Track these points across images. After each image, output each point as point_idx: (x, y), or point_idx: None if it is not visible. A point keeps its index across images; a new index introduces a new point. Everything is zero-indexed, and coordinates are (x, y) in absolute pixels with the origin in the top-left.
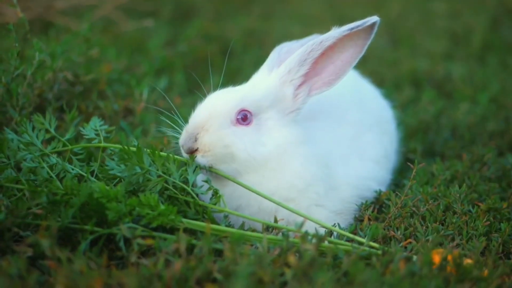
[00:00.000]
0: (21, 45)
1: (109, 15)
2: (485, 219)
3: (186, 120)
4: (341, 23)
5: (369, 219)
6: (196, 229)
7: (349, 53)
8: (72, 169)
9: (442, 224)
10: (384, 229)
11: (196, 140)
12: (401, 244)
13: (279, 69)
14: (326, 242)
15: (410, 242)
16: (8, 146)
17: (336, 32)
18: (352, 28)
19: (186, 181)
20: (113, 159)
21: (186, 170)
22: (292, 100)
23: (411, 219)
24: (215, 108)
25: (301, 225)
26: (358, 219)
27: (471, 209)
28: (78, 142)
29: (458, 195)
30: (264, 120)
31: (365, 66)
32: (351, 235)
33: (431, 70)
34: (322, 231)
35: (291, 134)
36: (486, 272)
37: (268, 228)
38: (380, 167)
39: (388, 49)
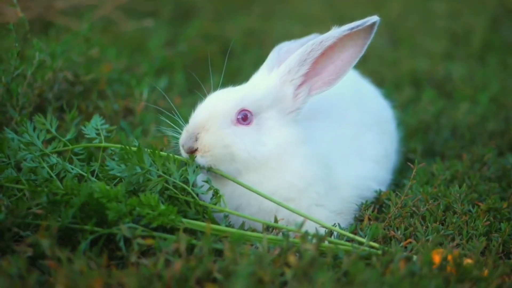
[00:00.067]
0: (21, 45)
1: (109, 15)
2: (485, 219)
3: (186, 120)
4: (341, 23)
5: (369, 219)
6: (196, 229)
7: (349, 52)
8: (72, 169)
9: (442, 224)
10: (384, 229)
11: (196, 139)
12: (401, 244)
13: (279, 69)
14: (326, 242)
15: (410, 242)
16: (9, 145)
17: (336, 32)
18: (352, 28)
19: (186, 181)
20: (113, 159)
21: (186, 170)
22: (292, 100)
23: (411, 219)
24: (216, 108)
25: (301, 225)
26: (358, 219)
27: (471, 209)
28: (79, 142)
29: (458, 195)
30: (264, 120)
31: (365, 66)
32: (351, 235)
33: (431, 70)
34: (322, 231)
35: (291, 133)
36: (486, 272)
37: (268, 228)
38: (380, 167)
39: (388, 49)
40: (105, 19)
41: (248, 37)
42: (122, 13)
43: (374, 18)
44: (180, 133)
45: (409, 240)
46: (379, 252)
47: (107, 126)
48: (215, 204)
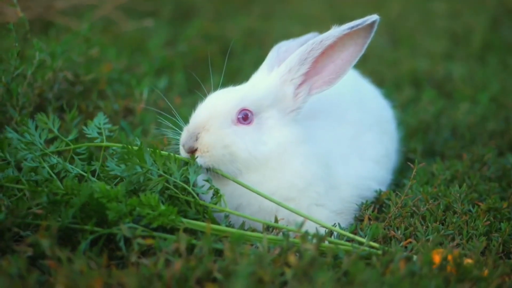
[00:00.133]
0: (21, 45)
1: (109, 15)
2: (485, 219)
3: (186, 120)
4: (341, 23)
5: (369, 219)
6: (196, 229)
7: (349, 52)
8: (73, 169)
9: (442, 224)
10: (384, 229)
11: (196, 139)
12: (401, 244)
13: (280, 68)
14: (326, 242)
15: (410, 242)
16: (9, 144)
17: (336, 31)
18: (352, 27)
19: (187, 181)
20: (114, 159)
21: (187, 169)
22: (293, 99)
23: (411, 219)
24: (216, 107)
25: (301, 225)
26: (358, 219)
27: (471, 209)
28: (79, 142)
29: (458, 194)
30: (264, 119)
31: (365, 66)
32: (351, 235)
33: (431, 70)
34: (322, 231)
35: (292, 133)
36: (486, 272)
37: (268, 228)
38: (380, 167)
39: (388, 49)
40: (105, 19)
41: (248, 37)
42: (122, 13)
43: (374, 17)
44: (179, 134)
45: (409, 240)
46: (379, 252)
47: (110, 125)
48: (216, 203)
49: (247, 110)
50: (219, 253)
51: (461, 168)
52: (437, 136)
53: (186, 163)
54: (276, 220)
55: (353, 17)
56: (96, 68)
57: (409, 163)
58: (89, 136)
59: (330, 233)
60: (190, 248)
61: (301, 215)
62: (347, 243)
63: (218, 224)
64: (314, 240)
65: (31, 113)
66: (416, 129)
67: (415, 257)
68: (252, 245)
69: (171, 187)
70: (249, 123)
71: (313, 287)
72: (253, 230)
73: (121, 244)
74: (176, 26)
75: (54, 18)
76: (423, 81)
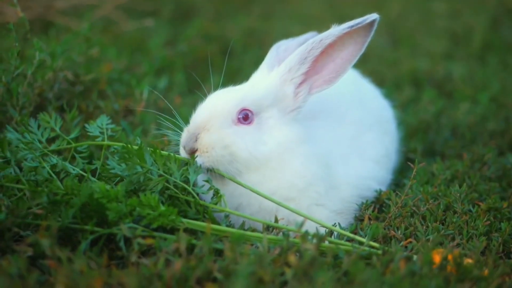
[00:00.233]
0: (22, 45)
1: (109, 15)
2: (485, 219)
3: (186, 121)
4: (341, 22)
5: (370, 219)
6: (197, 228)
7: (349, 51)
8: (73, 169)
9: (443, 224)
10: (385, 229)
11: (196, 140)
12: (401, 243)
13: (279, 68)
14: (326, 242)
15: (411, 242)
16: (9, 143)
17: (336, 30)
18: (352, 26)
19: (187, 181)
20: (115, 157)
21: (187, 169)
22: (293, 99)
23: (411, 219)
24: (216, 108)
25: (302, 224)
26: (359, 219)
27: (472, 209)
28: (80, 141)
29: (458, 194)
30: (265, 119)
31: (365, 66)
32: (351, 235)
33: (431, 69)
34: (322, 230)
35: (292, 132)
36: (486, 271)
37: (268, 228)
38: (381, 167)
39: (388, 49)
40: (105, 19)
41: (248, 37)
42: (122, 13)
43: (374, 16)
44: (180, 134)
45: (409, 239)
46: (379, 251)
47: (113, 126)
48: (216, 204)
49: (248, 110)
50: (219, 253)
51: (461, 168)
52: (437, 136)
53: (186, 163)
54: (276, 220)
55: (353, 16)
56: (96, 68)
57: (409, 163)
58: (90, 134)
59: (330, 233)
60: (190, 248)
61: (301, 215)
62: (347, 243)
63: (218, 224)
64: (314, 240)
65: (31, 113)
66: (416, 129)
67: (415, 257)
68: (252, 245)
69: (171, 187)
70: (249, 123)
71: (313, 287)
72: (253, 230)
73: (121, 244)
74: (176, 26)
75: (54, 18)
76: (423, 81)
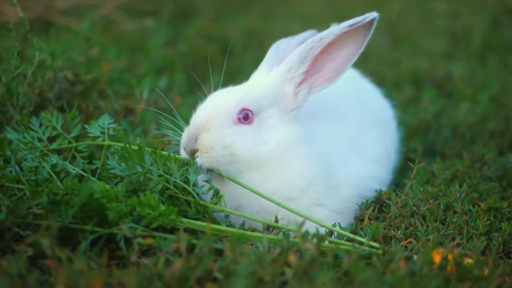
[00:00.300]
0: (22, 45)
1: (109, 15)
2: (485, 219)
3: (186, 120)
4: (340, 22)
5: (370, 219)
6: (197, 228)
7: (349, 49)
8: (73, 169)
9: (443, 224)
10: (385, 229)
11: (196, 140)
12: (401, 243)
13: (279, 67)
14: (326, 242)
15: (411, 242)
16: (9, 143)
17: (335, 29)
18: (352, 25)
19: (187, 181)
20: (115, 157)
21: (187, 170)
22: (293, 98)
23: (411, 219)
24: (216, 108)
25: (302, 224)
26: (359, 219)
27: (472, 209)
28: (80, 141)
29: (458, 194)
30: (265, 119)
31: (365, 66)
32: (351, 235)
33: (432, 69)
34: (322, 230)
35: (292, 132)
36: (486, 271)
37: (268, 228)
38: (381, 167)
39: (389, 49)
40: (106, 19)
41: (248, 37)
42: (122, 13)
43: (373, 15)
44: (180, 134)
45: (410, 239)
46: (380, 251)
47: (115, 125)
48: (216, 204)
49: (248, 110)
50: (219, 253)
51: (461, 168)
52: (438, 135)
53: (186, 164)
54: (276, 220)
55: (353, 16)
56: (96, 67)
57: (409, 163)
58: (91, 135)
59: (330, 232)
60: (190, 248)
61: (301, 215)
62: (347, 242)
63: (219, 224)
64: (314, 240)
65: (32, 113)
66: (416, 129)
67: (415, 256)
68: (252, 245)
69: (171, 187)
70: (249, 123)
71: (313, 287)
72: (253, 230)
73: (121, 244)
74: (176, 26)
75: (54, 18)
76: (423, 81)
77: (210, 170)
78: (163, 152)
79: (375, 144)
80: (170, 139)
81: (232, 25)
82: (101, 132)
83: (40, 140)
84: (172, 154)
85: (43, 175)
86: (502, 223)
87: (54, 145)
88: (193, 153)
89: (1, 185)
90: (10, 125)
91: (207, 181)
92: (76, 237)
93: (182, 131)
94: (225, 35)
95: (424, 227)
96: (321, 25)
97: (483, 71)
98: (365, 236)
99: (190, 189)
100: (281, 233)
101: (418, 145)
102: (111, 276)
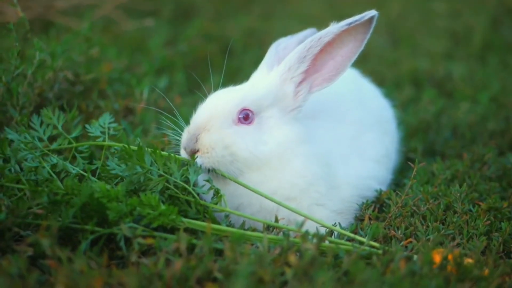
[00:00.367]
0: (22, 45)
1: (109, 15)
2: (485, 219)
3: (186, 120)
4: (340, 21)
5: (370, 219)
6: (197, 228)
7: (349, 48)
8: (73, 169)
9: (443, 224)
10: (385, 229)
11: (197, 140)
12: (401, 243)
13: (279, 67)
14: (326, 242)
15: (411, 242)
16: (9, 143)
17: (334, 28)
18: (351, 23)
19: (187, 181)
20: (115, 158)
21: (187, 169)
22: (293, 98)
23: (411, 219)
24: (217, 108)
25: (302, 224)
26: (359, 219)
27: (472, 209)
28: (81, 141)
29: (458, 194)
30: (265, 119)
31: (365, 66)
32: (351, 235)
33: (432, 69)
34: (322, 230)
35: (293, 132)
36: (486, 271)
37: (268, 228)
38: (381, 167)
39: (389, 49)
40: (106, 19)
41: (248, 37)
42: (123, 13)
43: (372, 13)
44: (180, 134)
45: (410, 239)
46: (380, 251)
47: (115, 125)
48: (216, 203)
49: (248, 109)
50: (219, 252)
51: (461, 168)
52: (438, 135)
53: (186, 164)
54: (277, 220)
55: (353, 16)
56: (96, 67)
57: (409, 163)
58: (91, 134)
59: (331, 232)
60: (191, 248)
61: (301, 215)
62: (347, 242)
63: (219, 223)
64: (315, 240)
65: (31, 113)
66: (416, 129)
67: (415, 256)
68: (252, 244)
69: (172, 187)
70: (250, 123)
71: (313, 287)
72: (254, 230)
73: (122, 244)
74: (176, 26)
75: (54, 17)
76: (423, 81)
77: (210, 170)
78: (163, 152)
79: (375, 144)
80: (170, 139)
81: (232, 25)
82: (102, 132)
83: (40, 139)
84: (172, 154)
85: (43, 175)
86: (502, 223)
87: (54, 145)
88: (193, 153)
89: (1, 185)
90: (10, 125)
91: (207, 181)
92: (76, 237)
93: (182, 131)
94: (225, 35)
95: (424, 227)
96: (321, 25)
97: (483, 71)
98: (365, 236)
99: (190, 189)
100: (281, 233)
101: (418, 145)
102: (111, 276)
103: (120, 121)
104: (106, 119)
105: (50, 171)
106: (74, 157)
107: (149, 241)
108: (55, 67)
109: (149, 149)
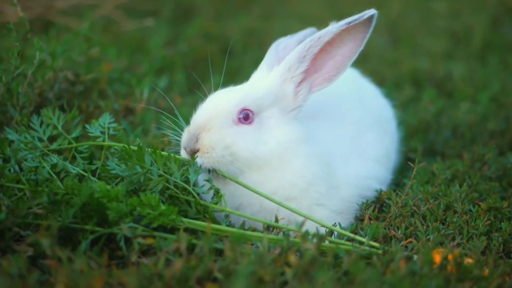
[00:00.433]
0: (22, 45)
1: (109, 15)
2: (485, 219)
3: (186, 120)
4: (340, 21)
5: (370, 219)
6: (197, 228)
7: (349, 47)
8: (73, 169)
9: (443, 224)
10: (385, 229)
11: (197, 140)
12: (401, 243)
13: (279, 67)
14: (326, 242)
15: (411, 242)
16: (9, 144)
17: (334, 27)
18: (350, 22)
19: (187, 181)
20: (115, 158)
21: (187, 169)
22: (293, 98)
23: (411, 219)
24: (217, 108)
25: (302, 224)
26: (359, 219)
27: (472, 208)
28: (81, 141)
29: (458, 194)
30: (265, 119)
31: (365, 66)
32: (351, 235)
33: (432, 69)
34: (322, 230)
35: (293, 132)
36: (486, 271)
37: (268, 228)
38: (381, 167)
39: (389, 49)
40: (106, 19)
41: (248, 37)
42: (123, 13)
43: (372, 12)
44: (180, 134)
45: (410, 239)
46: (380, 251)
47: (115, 125)
48: (216, 203)
49: (248, 109)
50: (219, 252)
51: (461, 168)
52: (438, 135)
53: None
54: (277, 220)
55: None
56: (96, 67)
57: (409, 163)
58: (91, 135)
59: (331, 232)
60: (191, 248)
61: (301, 215)
62: (347, 242)
63: (219, 223)
64: (315, 240)
65: (32, 113)
66: (416, 129)
67: (415, 256)
68: (252, 244)
69: (172, 187)
70: (250, 123)
71: (313, 287)
72: (254, 230)
73: (122, 243)
74: (176, 25)
75: (54, 17)
76: (423, 81)
77: (210, 170)
78: (163, 152)
79: (375, 144)
80: (170, 139)
81: (232, 25)
82: (102, 132)
83: (40, 140)
84: (172, 154)
85: (43, 175)
86: (502, 223)
87: (54, 145)
88: (193, 153)
89: (1, 185)
90: (10, 125)
91: (207, 181)
92: (76, 237)
93: (182, 131)
94: (225, 35)
95: (424, 227)
96: (321, 25)
97: (483, 71)
98: (365, 236)
99: (190, 189)
100: (281, 233)
101: (418, 145)
102: (111, 276)
103: (120, 121)
104: (106, 119)
105: (50, 171)
106: (74, 157)
107: (149, 241)
108: (55, 67)
109: (149, 149)
